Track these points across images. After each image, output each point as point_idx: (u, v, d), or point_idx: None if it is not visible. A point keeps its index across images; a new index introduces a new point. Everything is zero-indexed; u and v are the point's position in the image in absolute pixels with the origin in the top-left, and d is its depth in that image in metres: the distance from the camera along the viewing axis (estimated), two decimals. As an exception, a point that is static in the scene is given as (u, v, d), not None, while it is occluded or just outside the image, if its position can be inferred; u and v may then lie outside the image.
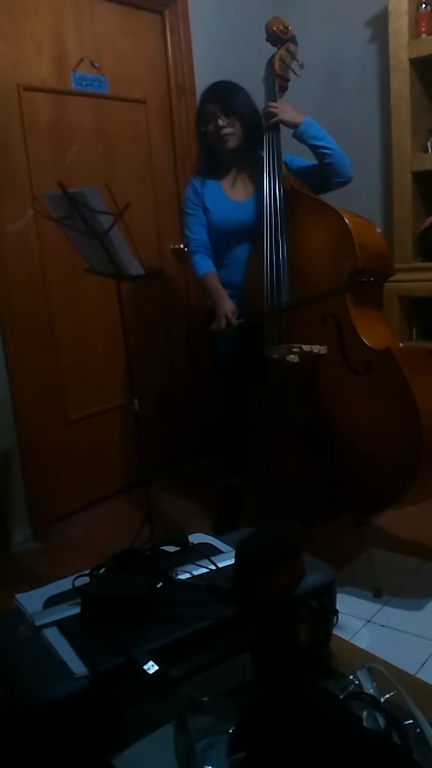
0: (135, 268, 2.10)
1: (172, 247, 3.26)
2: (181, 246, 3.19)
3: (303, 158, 2.35)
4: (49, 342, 2.78)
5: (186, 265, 3.19)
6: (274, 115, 2.23)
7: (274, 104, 2.26)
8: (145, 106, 3.08)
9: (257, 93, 2.34)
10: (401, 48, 2.73)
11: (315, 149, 2.25)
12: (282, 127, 2.25)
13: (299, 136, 2.24)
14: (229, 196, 2.40)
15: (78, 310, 2.88)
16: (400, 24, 2.72)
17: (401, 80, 2.76)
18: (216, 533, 1.75)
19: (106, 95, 2.89)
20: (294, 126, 2.23)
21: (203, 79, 2.60)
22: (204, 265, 2.39)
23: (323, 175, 2.28)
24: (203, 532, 1.57)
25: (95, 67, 2.83)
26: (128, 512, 2.79)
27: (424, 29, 2.72)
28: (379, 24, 3.02)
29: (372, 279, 2.06)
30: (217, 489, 2.72)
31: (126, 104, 2.99)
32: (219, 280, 2.37)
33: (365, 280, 2.02)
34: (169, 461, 3.32)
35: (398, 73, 2.76)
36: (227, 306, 2.29)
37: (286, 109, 2.24)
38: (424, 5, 2.70)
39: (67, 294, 2.83)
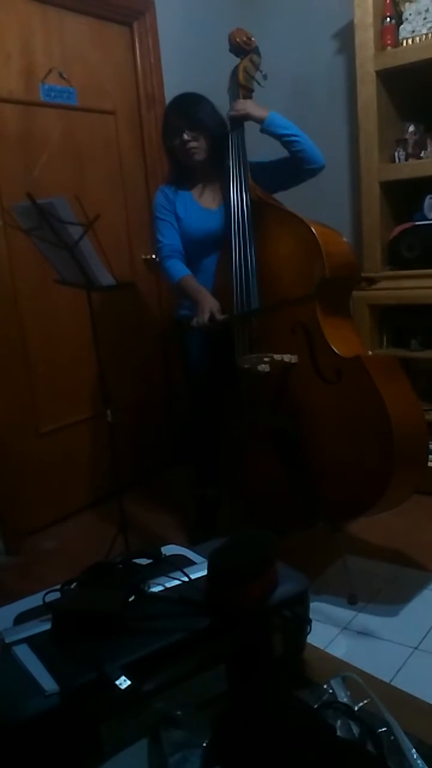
0: (106, 278, 2.10)
1: (144, 257, 3.26)
2: (153, 256, 3.19)
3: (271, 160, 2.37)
4: (20, 353, 2.76)
5: (158, 275, 3.19)
6: (240, 113, 2.26)
7: (237, 104, 2.28)
8: (115, 117, 3.08)
9: (226, 103, 2.35)
10: (367, 60, 2.77)
11: (283, 138, 2.25)
12: (247, 127, 2.26)
13: (267, 128, 2.25)
14: (200, 204, 2.41)
15: (49, 321, 2.87)
16: (365, 37, 2.76)
17: (368, 92, 2.79)
18: (191, 544, 1.74)
19: (75, 106, 2.89)
20: (260, 120, 2.25)
21: (172, 90, 2.61)
22: (179, 269, 2.37)
23: (294, 164, 2.29)
24: (176, 544, 1.56)
25: (64, 78, 2.83)
26: (102, 525, 2.77)
27: (389, 42, 2.76)
28: (346, 37, 3.07)
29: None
30: (192, 499, 2.71)
31: (95, 115, 2.99)
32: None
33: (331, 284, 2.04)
34: (143, 473, 3.30)
35: (365, 84, 2.79)
36: (212, 302, 2.25)
37: (249, 106, 2.27)
38: (388, 19, 2.74)
39: (38, 305, 2.81)
